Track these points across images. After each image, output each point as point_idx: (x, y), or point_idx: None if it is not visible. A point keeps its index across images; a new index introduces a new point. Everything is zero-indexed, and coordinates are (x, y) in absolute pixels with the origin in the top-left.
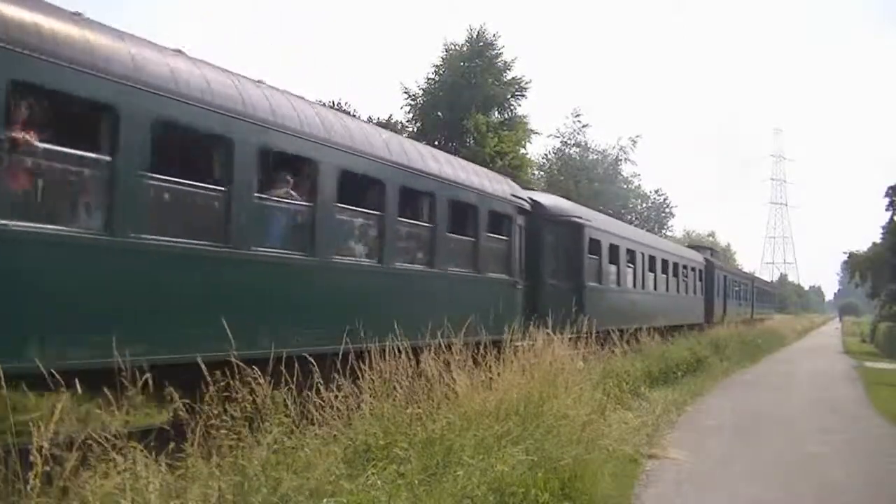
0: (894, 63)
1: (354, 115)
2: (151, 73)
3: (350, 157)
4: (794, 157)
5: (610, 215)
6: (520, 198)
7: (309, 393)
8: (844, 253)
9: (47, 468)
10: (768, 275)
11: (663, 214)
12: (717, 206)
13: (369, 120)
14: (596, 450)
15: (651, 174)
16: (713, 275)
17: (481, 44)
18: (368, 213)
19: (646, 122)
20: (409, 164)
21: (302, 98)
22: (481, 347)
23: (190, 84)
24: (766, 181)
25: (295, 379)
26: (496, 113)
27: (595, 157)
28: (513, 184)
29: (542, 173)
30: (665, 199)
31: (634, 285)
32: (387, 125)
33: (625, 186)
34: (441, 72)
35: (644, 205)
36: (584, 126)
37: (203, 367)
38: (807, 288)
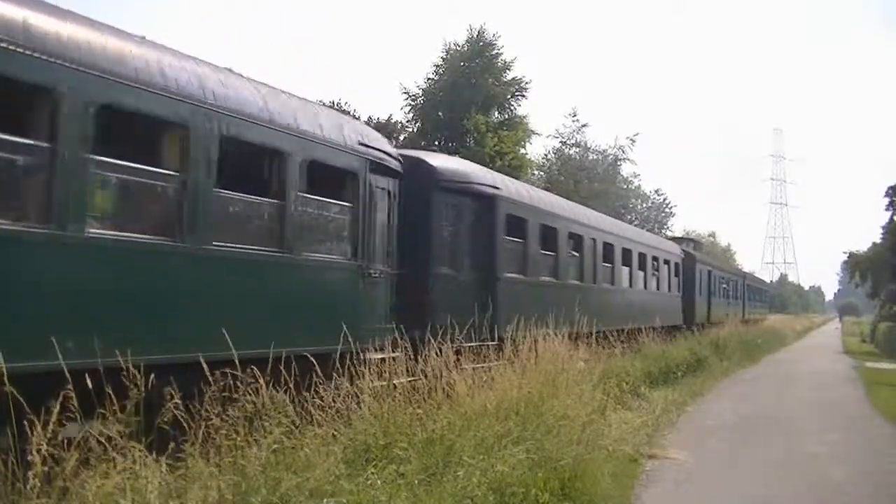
0: (894, 63)
1: (354, 116)
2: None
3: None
4: (793, 157)
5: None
6: (379, 150)
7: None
8: (844, 253)
9: (46, 468)
10: (768, 275)
11: (663, 214)
12: (717, 206)
13: (369, 120)
14: (596, 450)
15: (651, 174)
16: (694, 269)
17: (481, 44)
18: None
19: (646, 122)
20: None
21: None
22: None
23: None
24: (766, 181)
25: None
26: (496, 113)
27: (595, 157)
28: (366, 129)
29: (542, 173)
30: (665, 199)
31: (582, 279)
32: (386, 125)
33: (625, 186)
34: (441, 72)
35: (644, 205)
36: (582, 126)
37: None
38: (807, 288)
